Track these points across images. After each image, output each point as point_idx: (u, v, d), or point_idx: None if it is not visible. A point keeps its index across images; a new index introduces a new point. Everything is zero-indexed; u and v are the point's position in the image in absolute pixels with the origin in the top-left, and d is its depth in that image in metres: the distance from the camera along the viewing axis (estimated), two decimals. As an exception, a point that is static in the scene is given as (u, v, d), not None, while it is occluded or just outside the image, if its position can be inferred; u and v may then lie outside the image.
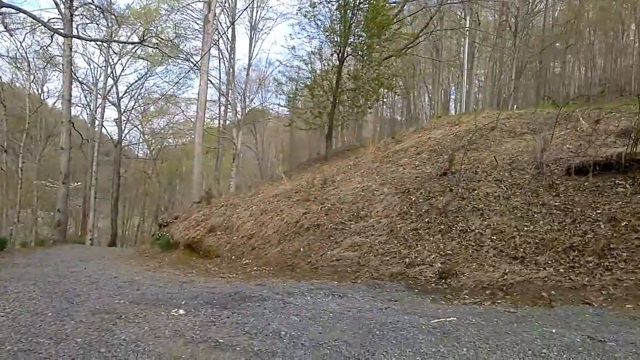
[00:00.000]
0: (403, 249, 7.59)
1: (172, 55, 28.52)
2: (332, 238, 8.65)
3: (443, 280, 6.40)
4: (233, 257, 9.86)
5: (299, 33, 29.46)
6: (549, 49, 31.95)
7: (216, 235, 11.04)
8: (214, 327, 4.33)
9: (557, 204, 7.28)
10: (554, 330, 4.09)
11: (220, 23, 27.41)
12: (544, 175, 8.09)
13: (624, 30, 33.86)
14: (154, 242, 13.91)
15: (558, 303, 5.14)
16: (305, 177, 13.36)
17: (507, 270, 6.17)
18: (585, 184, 7.50)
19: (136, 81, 34.27)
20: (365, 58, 16.58)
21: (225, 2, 27.15)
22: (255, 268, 8.66)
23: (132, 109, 35.67)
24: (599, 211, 6.77)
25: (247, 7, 26.56)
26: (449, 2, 22.25)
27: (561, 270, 5.92)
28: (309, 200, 10.39)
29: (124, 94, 33.87)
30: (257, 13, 29.96)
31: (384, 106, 38.41)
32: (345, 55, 16.76)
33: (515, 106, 23.14)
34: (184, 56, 28.72)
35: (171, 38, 27.11)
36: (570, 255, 6.14)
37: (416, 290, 6.22)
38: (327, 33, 16.62)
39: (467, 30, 22.70)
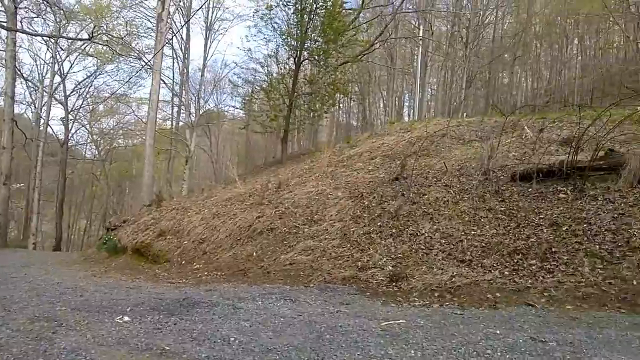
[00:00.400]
0: (356, 252, 7.66)
1: (123, 54, 27.68)
2: (285, 242, 8.62)
3: (394, 284, 6.50)
4: (183, 262, 9.63)
5: (255, 35, 29.06)
6: (497, 60, 33.24)
7: (166, 240, 10.76)
8: (160, 334, 4.21)
9: (502, 209, 7.56)
10: (498, 331, 4.23)
11: (175, 22, 26.83)
12: (490, 181, 8.39)
13: (568, 44, 35.74)
14: (100, 247, 13.39)
15: (503, 304, 5.33)
16: (260, 180, 13.26)
17: (454, 273, 6.35)
18: (529, 190, 7.82)
19: (85, 79, 32.95)
20: (321, 63, 16.69)
21: (180, 1, 26.64)
22: (206, 273, 8.49)
23: (80, 107, 34.25)
24: (541, 216, 7.08)
25: (201, 7, 26.12)
26: (403, 11, 22.79)
27: (506, 272, 6.14)
28: (263, 204, 10.31)
29: (71, 92, 32.47)
30: (212, 13, 29.55)
31: (340, 111, 38.76)
32: (302, 59, 16.80)
33: (465, 114, 23.96)
34: (135, 55, 27.92)
35: (122, 35, 26.25)
36: (514, 258, 6.39)
37: (368, 294, 6.28)
38: (284, 36, 16.63)
39: (421, 39, 23.30)
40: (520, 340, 3.93)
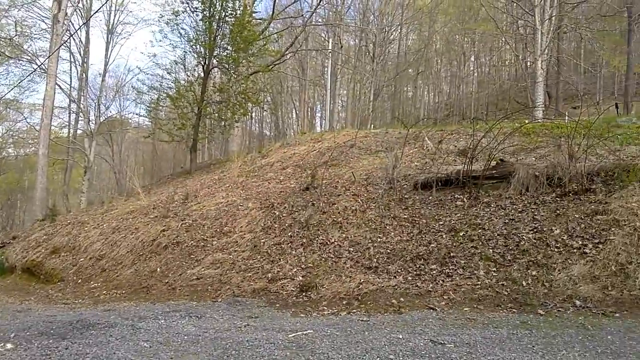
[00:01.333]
0: (266, 264, 7.57)
1: (12, 56, 25.23)
2: (192, 256, 8.30)
3: (304, 293, 6.49)
4: (79, 280, 8.93)
5: (160, 41, 27.89)
6: (402, 74, 35.04)
7: (60, 257, 9.93)
8: (47, 361, 3.82)
9: (406, 216, 7.88)
10: (400, 336, 4.36)
11: (73, 24, 25.04)
12: (395, 190, 8.72)
13: (465, 61, 38.64)
14: (-17, 267, 12.02)
15: (406, 309, 5.52)
16: (166, 191, 12.71)
17: (362, 280, 6.48)
18: (430, 198, 8.24)
19: (-31, 82, 29.58)
20: (231, 71, 16.42)
21: (78, 2, 24.92)
22: (104, 292, 7.94)
23: (-37, 113, 30.71)
24: (441, 223, 7.48)
25: (100, 8, 24.60)
26: (312, 24, 23.21)
27: (409, 278, 6.39)
28: (168, 216, 9.87)
29: (-48, 96, 28.96)
30: (115, 16, 27.96)
31: (253, 120, 38.51)
32: (211, 67, 16.43)
33: (372, 125, 24.86)
34: (28, 57, 25.57)
35: (12, 36, 23.96)
36: (417, 263, 6.67)
37: (277, 305, 6.21)
38: (192, 43, 16.16)
39: (330, 52, 23.87)
40: (421, 344, 4.08)
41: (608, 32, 25.92)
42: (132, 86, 27.13)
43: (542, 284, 5.63)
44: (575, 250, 5.95)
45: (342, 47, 27.21)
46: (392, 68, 34.87)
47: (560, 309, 5.07)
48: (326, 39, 27.33)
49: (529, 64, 25.17)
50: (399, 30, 34.62)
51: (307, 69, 32.04)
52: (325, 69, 25.09)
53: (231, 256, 7.96)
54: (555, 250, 6.06)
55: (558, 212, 6.73)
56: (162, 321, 5.45)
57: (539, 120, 13.06)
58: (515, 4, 22.40)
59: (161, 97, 18.11)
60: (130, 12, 65.69)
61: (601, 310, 4.93)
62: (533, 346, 4.02)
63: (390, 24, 32.01)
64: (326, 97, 25.07)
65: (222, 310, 6.05)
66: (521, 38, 27.56)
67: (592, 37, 23.98)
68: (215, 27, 15.59)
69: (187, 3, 15.94)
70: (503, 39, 30.96)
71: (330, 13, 28.74)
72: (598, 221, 6.26)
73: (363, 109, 30.41)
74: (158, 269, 8.23)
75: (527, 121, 11.36)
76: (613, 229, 6.01)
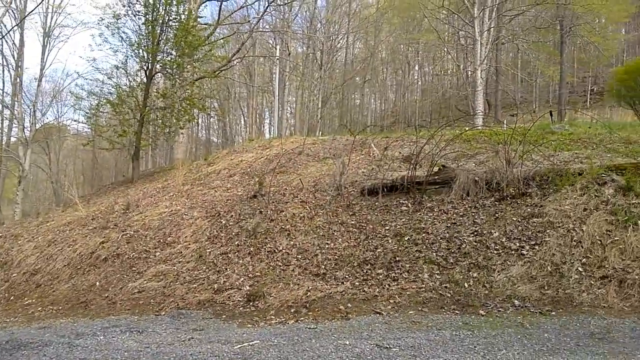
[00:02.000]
0: (212, 274, 7.39)
1: None
2: (134, 268, 7.98)
3: (251, 303, 6.38)
4: (12, 297, 8.38)
5: (100, 45, 26.68)
6: (349, 82, 35.59)
7: (-11, 273, 9.26)
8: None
9: (353, 222, 7.95)
10: (347, 342, 4.37)
11: (5, 25, 23.65)
12: (342, 197, 8.79)
13: (410, 70, 39.79)
14: None
15: (353, 314, 5.54)
16: (107, 201, 12.20)
17: (310, 287, 6.45)
18: (376, 203, 8.36)
19: None
20: (175, 77, 16.02)
21: (11, 2, 23.59)
22: (39, 309, 7.48)
23: None
24: (387, 227, 7.59)
25: (34, 9, 23.33)
26: (259, 30, 23.11)
27: (356, 283, 6.42)
28: (108, 227, 9.45)
29: None
30: (52, 18, 26.64)
31: (199, 127, 37.78)
32: (154, 72, 15.96)
33: (321, 132, 25.05)
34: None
35: None
36: (364, 269, 6.72)
37: (224, 316, 6.07)
38: (134, 47, 15.61)
39: (278, 58, 23.85)
40: (367, 349, 4.10)
41: (543, 44, 27.57)
42: (70, 91, 25.87)
43: (483, 285, 5.82)
44: (513, 252, 6.20)
45: (290, 54, 27.27)
46: (340, 76, 35.32)
47: (500, 309, 5.26)
48: (274, 45, 27.29)
49: (469, 73, 26.22)
50: (346, 39, 35.15)
51: (255, 76, 31.87)
52: (274, 75, 25.00)
53: (175, 267, 7.71)
54: (495, 252, 6.29)
55: (497, 215, 7.00)
56: (101, 337, 5.20)
57: (479, 127, 13.60)
58: (456, 16, 23.27)
59: (101, 103, 17.32)
60: (69, 14, 62.86)
61: (538, 309, 5.15)
62: (475, 347, 4.13)
63: (337, 33, 32.44)
64: (274, 103, 25.00)
65: (166, 323, 5.85)
66: (462, 48, 28.72)
67: (528, 48, 25.34)
68: (158, 31, 15.16)
69: (129, 6, 15.44)
70: (445, 49, 32.20)
71: (278, 20, 28.79)
72: (534, 223, 6.57)
73: (312, 115, 30.58)
74: (97, 283, 7.85)
75: (467, 128, 11.79)
76: (548, 231, 6.32)
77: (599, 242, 5.93)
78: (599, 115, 18.30)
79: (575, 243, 6.01)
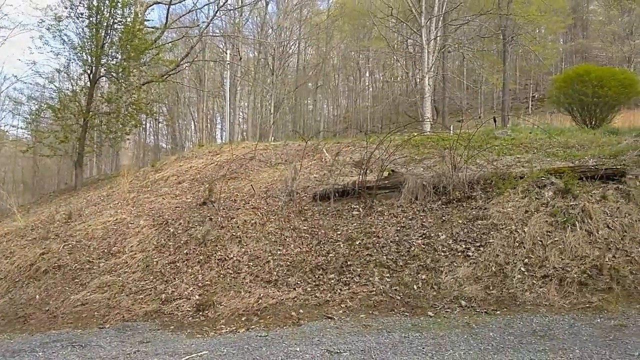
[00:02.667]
0: (159, 284, 7.16)
1: None
2: (76, 280, 7.61)
3: (200, 313, 6.23)
4: (-61, 315, 7.76)
5: (41, 47, 25.37)
6: (302, 88, 35.70)
7: None
8: None
9: (305, 227, 7.93)
10: (298, 349, 4.34)
11: None
12: (294, 202, 8.76)
13: (361, 76, 40.44)
14: None
15: (305, 320, 5.51)
16: (48, 210, 11.58)
17: (261, 295, 6.37)
18: (328, 208, 8.38)
19: None
20: (121, 81, 15.48)
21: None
22: (-30, 326, 6.96)
23: None
24: (339, 232, 7.62)
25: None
26: (209, 34, 22.78)
27: (308, 289, 6.41)
28: (48, 238, 8.98)
29: None
30: (-14, 18, 25.23)
31: (147, 132, 36.75)
32: (98, 76, 15.38)
33: (274, 138, 24.93)
34: None
35: None
36: (316, 274, 6.71)
37: (172, 327, 5.89)
38: (77, 51, 14.97)
39: (229, 63, 23.56)
40: (318, 355, 4.09)
41: (487, 52, 28.75)
42: (7, 96, 24.54)
43: (431, 287, 5.95)
44: (459, 254, 6.38)
45: (241, 59, 26.99)
46: (292, 81, 35.38)
47: (447, 310, 5.39)
48: (224, 50, 26.97)
49: (417, 80, 26.91)
50: (297, 45, 35.27)
51: (206, 80, 31.37)
52: (224, 80, 24.67)
53: (120, 278, 7.42)
54: (442, 254, 6.45)
55: (444, 218, 7.19)
56: (40, 354, 4.94)
57: (427, 133, 13.97)
58: (404, 24, 23.85)
59: (42, 108, 16.50)
60: (6, 15, 59.48)
61: (484, 309, 5.32)
62: (423, 348, 4.21)
63: (289, 39, 32.49)
64: (226, 108, 24.63)
65: (110, 337, 5.61)
66: (410, 56, 29.49)
67: (473, 57, 26.35)
68: (103, 34, 14.64)
69: (72, 9, 14.81)
70: (395, 57, 32.93)
71: (228, 25, 28.50)
72: (479, 226, 6.79)
73: (264, 121, 30.41)
74: (37, 296, 7.44)
75: (416, 134, 12.07)
76: (492, 233, 6.55)
77: (539, 242, 6.20)
78: (540, 121, 19.20)
79: (517, 244, 6.26)
